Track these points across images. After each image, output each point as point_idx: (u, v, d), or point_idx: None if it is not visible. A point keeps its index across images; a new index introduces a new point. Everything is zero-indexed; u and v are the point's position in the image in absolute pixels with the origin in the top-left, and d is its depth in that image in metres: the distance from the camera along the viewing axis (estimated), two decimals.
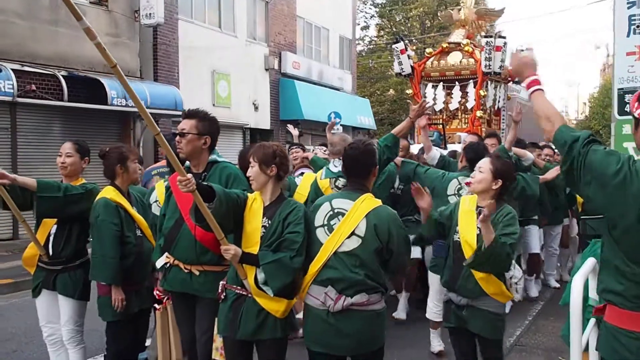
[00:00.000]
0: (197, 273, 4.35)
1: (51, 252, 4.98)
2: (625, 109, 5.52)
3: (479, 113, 11.25)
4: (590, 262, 4.66)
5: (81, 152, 5.13)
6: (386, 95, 38.99)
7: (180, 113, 16.24)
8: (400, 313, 7.42)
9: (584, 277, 4.36)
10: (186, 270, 4.39)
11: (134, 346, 5.09)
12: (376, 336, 3.94)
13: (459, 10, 12.62)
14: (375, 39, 45.39)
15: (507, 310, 7.32)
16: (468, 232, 4.38)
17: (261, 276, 3.78)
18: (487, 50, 11.14)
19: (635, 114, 2.70)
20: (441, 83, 11.85)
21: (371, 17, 43.50)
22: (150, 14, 16.17)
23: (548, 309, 8.23)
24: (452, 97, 11.81)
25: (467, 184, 4.86)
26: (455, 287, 4.39)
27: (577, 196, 8.65)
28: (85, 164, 5.19)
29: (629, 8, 5.63)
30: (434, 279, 6.05)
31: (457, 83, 11.73)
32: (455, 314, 4.41)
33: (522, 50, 11.84)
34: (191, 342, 4.53)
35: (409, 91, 12.29)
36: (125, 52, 16.51)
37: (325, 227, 3.87)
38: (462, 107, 11.78)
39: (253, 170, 3.98)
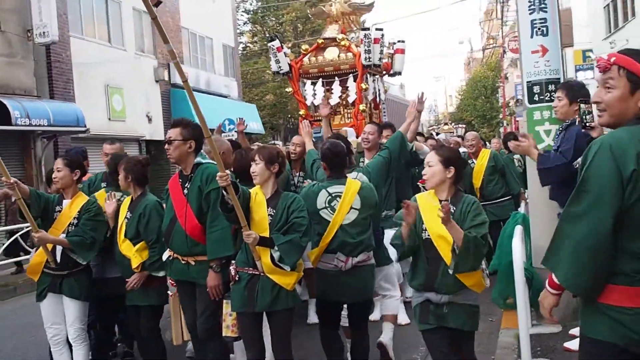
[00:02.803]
0: (193, 263, 4.97)
1: (59, 258, 5.43)
2: (534, 99, 6.29)
3: (361, 106, 10.79)
4: (520, 229, 5.64)
5: (70, 165, 5.55)
6: (265, 100, 39.54)
7: (82, 129, 16.47)
8: (313, 317, 7.29)
9: (522, 242, 5.30)
10: (183, 262, 5.02)
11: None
12: (371, 286, 5.15)
13: (331, 5, 12.04)
14: (250, 45, 45.88)
15: None
16: (439, 226, 4.15)
17: (277, 254, 4.44)
18: (366, 42, 10.72)
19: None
20: (320, 79, 11.30)
21: (244, 23, 43.90)
22: (44, 32, 16.22)
23: None
24: (332, 93, 11.23)
25: (422, 182, 4.77)
26: (434, 286, 4.24)
27: (474, 184, 9.32)
28: (76, 176, 5.60)
29: (530, 14, 6.27)
30: None
31: (336, 78, 11.18)
32: (435, 314, 4.28)
33: (397, 42, 11.90)
34: (194, 324, 5.14)
35: (289, 89, 11.81)
36: (21, 71, 16.52)
37: (328, 209, 4.93)
38: (344, 102, 11.27)
39: (259, 167, 4.66)
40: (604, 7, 21.98)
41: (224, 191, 4.33)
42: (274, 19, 42.97)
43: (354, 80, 10.92)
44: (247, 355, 4.75)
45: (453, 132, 32.20)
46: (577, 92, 5.41)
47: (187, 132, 5.00)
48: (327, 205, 4.94)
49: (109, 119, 19.59)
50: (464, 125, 35.13)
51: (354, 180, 5.11)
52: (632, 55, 2.72)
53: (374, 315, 6.83)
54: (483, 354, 5.86)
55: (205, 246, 4.91)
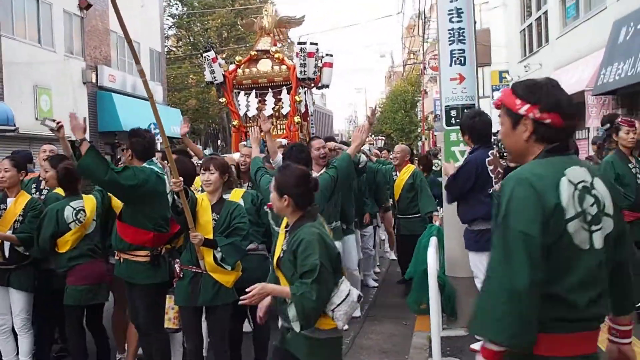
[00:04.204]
0: (122, 260, 5.41)
1: (7, 254, 5.78)
2: (452, 121, 6.85)
3: (296, 119, 11.07)
4: (434, 240, 6.31)
5: (17, 166, 5.95)
6: (188, 105, 39.48)
7: (11, 128, 16.54)
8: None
9: (436, 252, 5.92)
10: (117, 257, 5.48)
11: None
12: (264, 273, 5.49)
13: (262, 18, 12.20)
14: (174, 49, 45.71)
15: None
16: (275, 253, 3.99)
17: (219, 255, 4.92)
18: (302, 56, 10.91)
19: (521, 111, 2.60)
20: (254, 90, 11.46)
21: (169, 27, 43.71)
22: None
23: (382, 290, 9.71)
24: (265, 104, 11.38)
25: (269, 206, 4.43)
26: (275, 309, 4.07)
27: (394, 196, 9.68)
28: (22, 176, 6.02)
29: (450, 44, 6.81)
30: None
31: (270, 90, 11.35)
32: (282, 335, 4.03)
33: (325, 56, 12.33)
34: (135, 319, 5.58)
35: (223, 99, 11.80)
36: None
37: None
38: (277, 113, 11.45)
39: (214, 176, 5.12)
40: (520, 32, 22.94)
41: (175, 196, 4.85)
42: (199, 24, 42.96)
43: (287, 93, 11.15)
44: (187, 344, 5.24)
45: (374, 144, 32.94)
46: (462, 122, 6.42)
47: (130, 142, 5.55)
48: None
49: (36, 118, 19.57)
50: (384, 138, 36.01)
51: (238, 189, 6.09)
52: (515, 88, 2.65)
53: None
54: (398, 354, 6.53)
55: (126, 242, 5.34)
